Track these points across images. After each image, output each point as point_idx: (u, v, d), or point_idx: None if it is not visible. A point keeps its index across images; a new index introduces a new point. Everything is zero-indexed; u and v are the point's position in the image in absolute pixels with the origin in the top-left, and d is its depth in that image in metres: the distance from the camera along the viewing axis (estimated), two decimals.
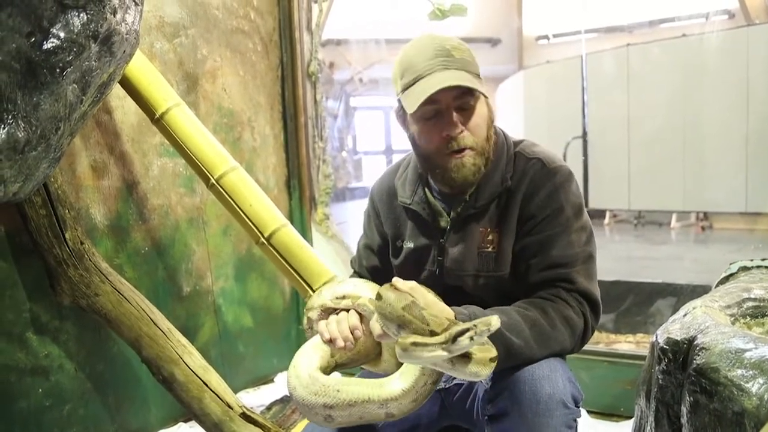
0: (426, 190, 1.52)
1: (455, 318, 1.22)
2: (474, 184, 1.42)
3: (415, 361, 1.09)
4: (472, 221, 1.45)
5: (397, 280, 1.19)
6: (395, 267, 1.58)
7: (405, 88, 1.37)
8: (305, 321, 1.46)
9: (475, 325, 1.05)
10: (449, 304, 1.48)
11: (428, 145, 1.39)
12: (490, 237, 1.43)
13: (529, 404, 1.21)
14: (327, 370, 1.35)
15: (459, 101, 1.34)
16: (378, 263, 1.64)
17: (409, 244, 1.53)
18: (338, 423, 1.25)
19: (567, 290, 1.34)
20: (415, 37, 1.40)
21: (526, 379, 1.23)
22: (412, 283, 1.20)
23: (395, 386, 1.25)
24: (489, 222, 1.44)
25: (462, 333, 1.05)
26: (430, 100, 1.32)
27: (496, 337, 1.18)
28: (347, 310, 1.35)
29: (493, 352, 1.13)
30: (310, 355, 1.34)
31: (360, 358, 1.41)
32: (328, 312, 1.39)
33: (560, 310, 1.31)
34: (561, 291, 1.34)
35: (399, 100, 1.41)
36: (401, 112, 1.42)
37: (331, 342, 1.30)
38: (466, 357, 1.09)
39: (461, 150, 1.37)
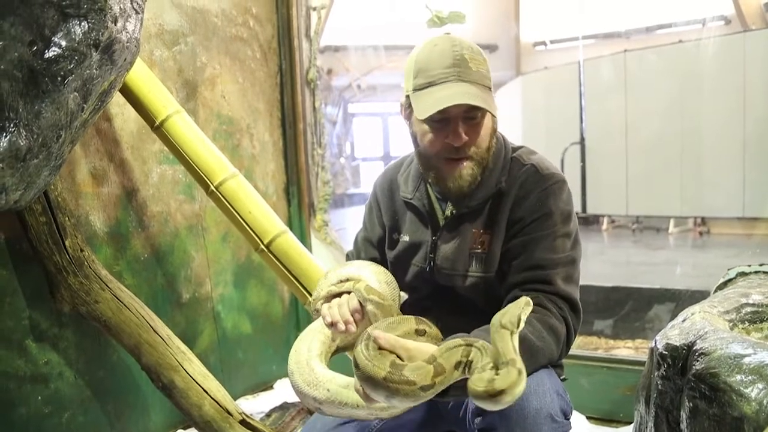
0: (428, 186, 1.53)
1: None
2: (468, 194, 1.43)
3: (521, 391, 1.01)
4: (465, 221, 1.46)
5: (378, 337, 1.13)
6: (390, 260, 1.60)
7: (417, 89, 1.37)
8: (313, 306, 1.49)
9: (522, 307, 1.09)
10: (441, 304, 1.48)
11: (430, 147, 1.40)
12: (481, 238, 1.44)
13: (516, 419, 1.20)
14: (328, 355, 1.37)
15: (467, 113, 1.35)
16: (377, 255, 1.65)
17: (405, 238, 1.55)
18: (328, 415, 1.27)
19: (545, 293, 1.33)
20: (434, 37, 1.40)
21: None
22: (391, 338, 1.14)
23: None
24: (481, 223, 1.45)
25: (519, 320, 1.07)
26: (439, 111, 1.33)
27: None
28: (349, 293, 1.39)
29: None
30: (312, 339, 1.36)
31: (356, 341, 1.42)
32: (332, 296, 1.42)
33: (544, 320, 1.30)
34: (540, 296, 1.33)
35: (408, 97, 1.42)
36: (408, 110, 1.43)
37: (332, 326, 1.33)
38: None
39: (460, 159, 1.38)
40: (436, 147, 1.39)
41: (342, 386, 1.26)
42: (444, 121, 1.36)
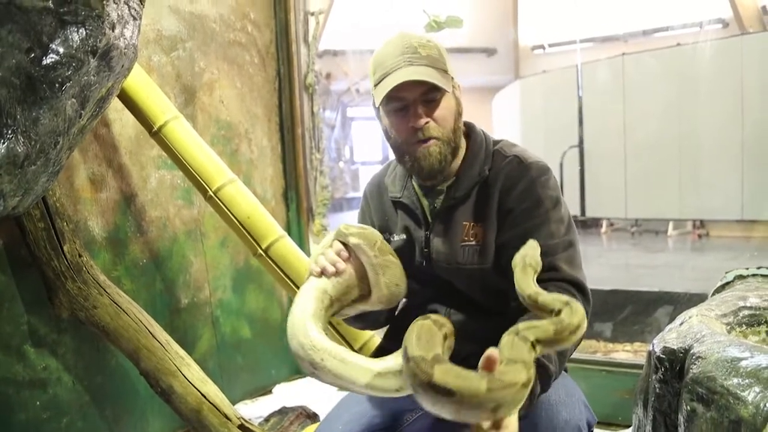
0: (414, 183, 1.54)
1: None
2: (442, 172, 1.44)
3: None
4: (453, 213, 1.47)
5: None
6: None
7: (375, 84, 1.41)
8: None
9: (536, 248, 1.22)
10: (443, 303, 1.48)
11: (397, 135, 1.43)
12: (473, 231, 1.44)
13: (545, 430, 1.21)
14: (326, 311, 1.34)
15: (424, 96, 1.38)
16: None
17: (399, 236, 1.55)
18: (323, 382, 1.25)
19: (553, 280, 1.32)
20: (389, 36, 1.45)
21: (542, 403, 1.23)
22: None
23: (387, 383, 1.21)
24: (471, 215, 1.45)
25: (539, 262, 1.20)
26: (396, 97, 1.37)
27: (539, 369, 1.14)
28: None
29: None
30: (306, 299, 1.33)
31: (353, 287, 1.40)
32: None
33: None
34: (549, 286, 1.29)
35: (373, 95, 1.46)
36: (375, 106, 1.47)
37: (322, 273, 1.34)
38: None
39: (427, 140, 1.40)
40: (402, 134, 1.41)
41: (337, 357, 1.23)
42: (405, 108, 1.39)
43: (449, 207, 1.47)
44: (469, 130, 1.51)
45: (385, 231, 1.58)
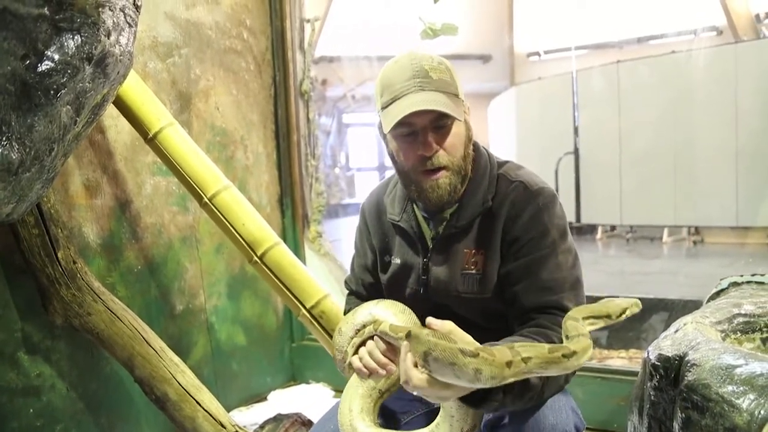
0: (414, 207, 1.51)
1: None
2: (451, 202, 1.42)
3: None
4: (455, 241, 1.44)
5: (432, 321, 1.12)
6: (384, 282, 1.58)
7: (383, 107, 1.37)
8: (339, 361, 1.46)
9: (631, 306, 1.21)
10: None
11: (405, 162, 1.39)
12: (474, 259, 1.41)
13: None
14: (375, 404, 1.37)
15: (434, 122, 1.34)
16: (374, 280, 1.63)
17: (396, 260, 1.53)
18: None
19: (561, 317, 1.31)
20: (396, 55, 1.40)
21: (529, 407, 1.23)
22: (450, 324, 1.13)
23: None
24: (473, 243, 1.42)
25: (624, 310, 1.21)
26: (406, 123, 1.33)
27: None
28: (371, 337, 1.37)
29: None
30: (352, 398, 1.36)
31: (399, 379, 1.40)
32: (357, 347, 1.40)
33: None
34: (557, 318, 1.30)
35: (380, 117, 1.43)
36: (381, 129, 1.43)
37: (371, 375, 1.33)
38: None
39: (436, 170, 1.36)
40: (410, 161, 1.38)
41: None
42: (413, 134, 1.35)
43: (451, 235, 1.44)
44: (474, 151, 1.47)
45: (386, 253, 1.56)
